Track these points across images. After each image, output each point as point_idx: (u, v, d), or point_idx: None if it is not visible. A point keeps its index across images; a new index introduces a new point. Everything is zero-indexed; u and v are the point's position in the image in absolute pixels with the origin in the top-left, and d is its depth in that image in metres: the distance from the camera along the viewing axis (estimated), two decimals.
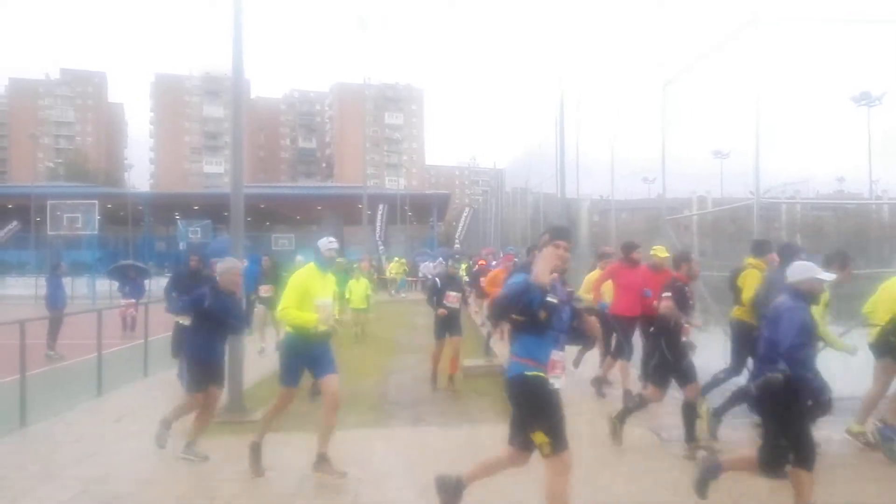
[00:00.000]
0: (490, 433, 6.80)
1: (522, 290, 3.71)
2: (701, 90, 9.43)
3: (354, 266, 16.45)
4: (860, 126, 13.54)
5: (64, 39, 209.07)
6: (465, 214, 55.12)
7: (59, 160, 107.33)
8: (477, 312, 16.54)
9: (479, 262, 17.31)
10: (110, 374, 9.25)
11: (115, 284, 18.70)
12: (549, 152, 19.06)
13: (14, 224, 49.03)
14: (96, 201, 36.38)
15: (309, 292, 5.53)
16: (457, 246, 47.87)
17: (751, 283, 6.67)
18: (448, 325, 9.16)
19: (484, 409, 7.96)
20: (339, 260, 18.66)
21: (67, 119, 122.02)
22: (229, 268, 6.43)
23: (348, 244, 43.34)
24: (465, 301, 11.28)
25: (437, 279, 9.83)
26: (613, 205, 14.12)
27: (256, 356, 11.65)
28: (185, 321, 8.66)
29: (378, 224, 44.01)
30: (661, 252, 7.88)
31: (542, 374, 3.87)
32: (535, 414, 3.87)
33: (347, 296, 13.30)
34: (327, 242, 5.75)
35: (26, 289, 30.02)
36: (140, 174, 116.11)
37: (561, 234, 4.08)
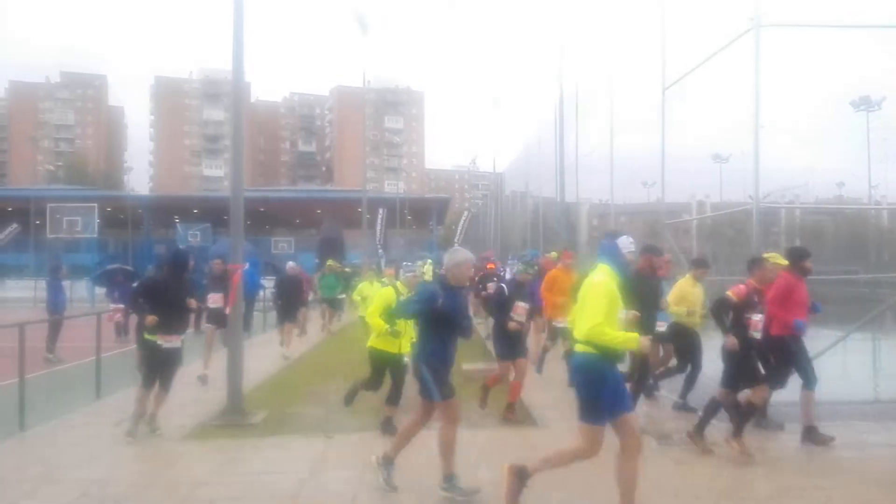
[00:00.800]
0: (491, 437, 6.81)
1: None
2: (700, 94, 9.45)
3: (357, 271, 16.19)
4: (859, 131, 13.58)
5: (64, 43, 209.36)
6: (463, 218, 55.13)
7: (59, 163, 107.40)
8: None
9: (488, 266, 15.34)
10: (109, 378, 9.23)
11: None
12: (548, 156, 19.11)
13: (14, 227, 49.05)
14: (96, 204, 36.50)
15: (617, 303, 4.52)
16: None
17: None
18: (516, 342, 7.88)
19: (485, 414, 7.95)
20: (330, 263, 18.59)
21: (67, 122, 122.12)
22: (462, 260, 5.33)
23: (348, 248, 43.42)
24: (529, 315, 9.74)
25: (503, 286, 8.48)
26: (613, 209, 14.13)
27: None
28: (170, 342, 7.02)
29: (378, 228, 44.03)
30: (780, 259, 6.93)
31: None
32: None
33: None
34: (628, 243, 4.71)
35: (25, 291, 29.99)
36: (140, 177, 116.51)
37: None
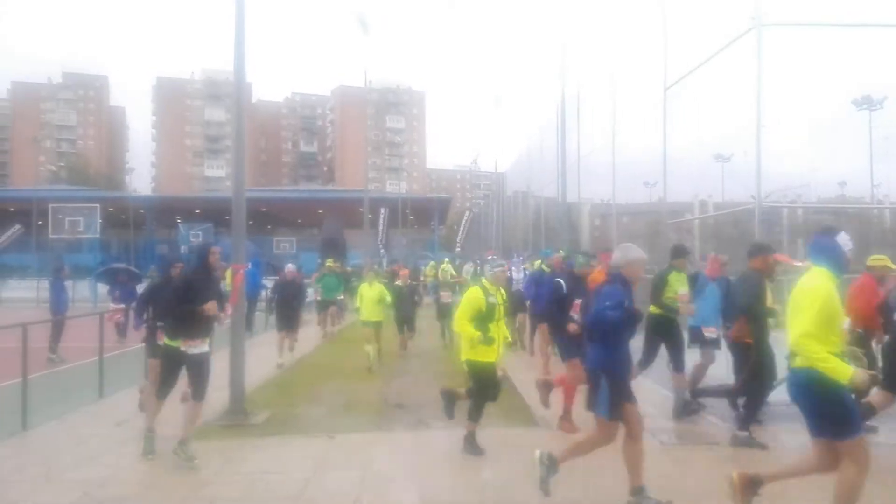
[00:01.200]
0: (491, 437, 6.79)
1: None
2: (702, 94, 9.44)
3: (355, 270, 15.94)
4: (862, 130, 13.54)
5: (66, 43, 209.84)
6: (465, 218, 55.10)
7: (61, 164, 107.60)
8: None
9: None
10: (111, 378, 9.25)
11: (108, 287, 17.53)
12: (550, 156, 19.11)
13: (16, 227, 49.09)
14: (98, 205, 36.48)
15: (837, 313, 3.97)
16: (458, 249, 47.91)
17: None
18: (577, 342, 6.66)
19: (486, 414, 7.93)
20: (329, 264, 18.47)
21: (69, 123, 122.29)
22: (636, 258, 4.87)
23: (350, 248, 43.45)
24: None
25: (560, 281, 7.49)
26: (615, 209, 14.11)
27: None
28: (196, 347, 6.02)
29: (380, 228, 44.00)
30: (889, 262, 6.76)
31: None
32: None
33: (358, 304, 12.07)
34: (847, 240, 4.10)
35: (28, 292, 30.01)
36: (142, 178, 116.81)
37: None
